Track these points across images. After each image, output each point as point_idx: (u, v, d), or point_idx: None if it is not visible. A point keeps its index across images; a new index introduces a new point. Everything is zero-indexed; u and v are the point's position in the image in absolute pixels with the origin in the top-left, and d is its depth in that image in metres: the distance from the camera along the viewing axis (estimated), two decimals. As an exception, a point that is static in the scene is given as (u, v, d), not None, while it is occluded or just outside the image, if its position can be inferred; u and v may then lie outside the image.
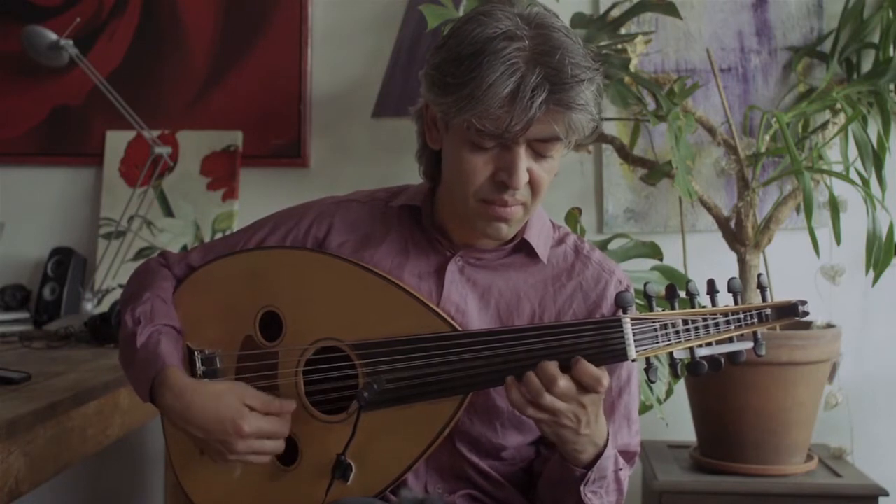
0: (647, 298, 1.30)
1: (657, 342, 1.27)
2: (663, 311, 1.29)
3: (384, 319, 1.38)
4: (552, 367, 1.25)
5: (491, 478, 1.44)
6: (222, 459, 1.39)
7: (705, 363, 1.28)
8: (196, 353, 1.47)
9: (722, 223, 2.39)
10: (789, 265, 2.46)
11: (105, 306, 2.63)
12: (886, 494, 2.22)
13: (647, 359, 1.28)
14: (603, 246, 2.21)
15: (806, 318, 1.32)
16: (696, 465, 2.37)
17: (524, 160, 1.30)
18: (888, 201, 2.31)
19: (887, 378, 2.65)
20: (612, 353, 1.26)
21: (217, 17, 2.83)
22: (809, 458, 2.35)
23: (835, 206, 2.21)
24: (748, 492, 2.24)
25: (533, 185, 1.33)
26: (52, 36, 2.60)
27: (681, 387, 2.36)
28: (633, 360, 1.27)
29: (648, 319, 1.27)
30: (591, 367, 1.24)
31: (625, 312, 1.28)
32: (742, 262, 2.35)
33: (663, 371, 2.16)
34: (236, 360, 1.47)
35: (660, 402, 2.13)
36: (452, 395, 1.34)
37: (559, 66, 1.25)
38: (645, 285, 1.31)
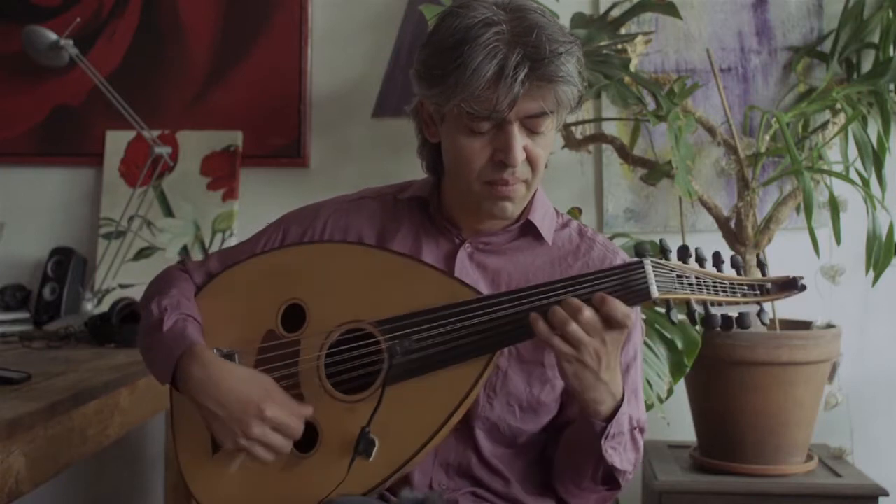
0: (663, 252, 1.33)
1: (675, 288, 1.30)
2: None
3: (408, 295, 1.40)
4: (575, 300, 1.28)
5: (498, 473, 1.45)
6: (232, 443, 1.39)
7: (719, 317, 1.31)
8: (214, 352, 1.47)
9: (722, 223, 2.39)
10: (789, 265, 2.44)
11: (105, 306, 2.63)
12: (886, 494, 2.22)
13: (667, 301, 1.30)
14: (603, 245, 2.21)
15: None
16: (696, 465, 2.37)
17: (518, 138, 1.36)
18: (888, 201, 2.31)
19: (887, 378, 2.65)
20: (635, 293, 1.29)
21: (217, 17, 2.83)
22: (809, 458, 2.35)
23: (835, 206, 2.21)
24: (748, 492, 2.24)
25: (531, 161, 1.38)
26: (52, 36, 2.60)
27: (681, 387, 2.36)
28: (655, 301, 1.29)
29: (667, 266, 1.31)
30: (620, 303, 1.27)
31: None
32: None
33: (663, 369, 2.16)
34: (256, 353, 1.47)
35: (660, 401, 2.13)
36: (479, 355, 1.35)
37: (537, 44, 1.31)
38: (661, 240, 1.34)
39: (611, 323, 1.28)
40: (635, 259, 1.31)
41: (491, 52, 1.30)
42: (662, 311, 1.33)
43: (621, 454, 1.38)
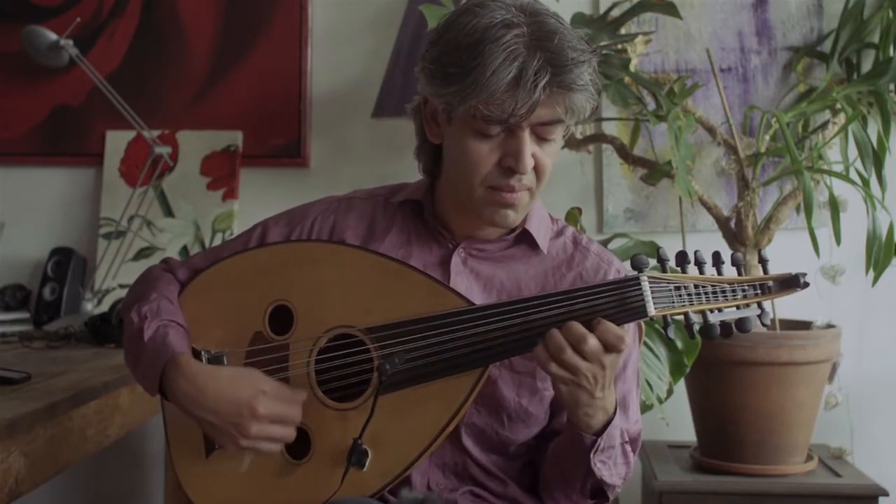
0: (661, 262, 1.32)
1: (672, 303, 1.28)
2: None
3: (398, 302, 1.38)
4: (579, 326, 1.26)
5: (494, 475, 1.45)
6: (234, 445, 1.37)
7: (718, 326, 1.29)
8: (203, 354, 1.45)
9: (722, 223, 2.39)
10: (789, 265, 2.44)
11: (105, 306, 2.63)
12: (886, 494, 2.23)
13: (665, 317, 1.29)
14: (603, 245, 2.21)
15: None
16: (696, 465, 2.37)
17: (529, 145, 1.34)
18: (888, 201, 2.31)
19: (887, 378, 2.65)
20: (631, 311, 1.28)
21: (217, 17, 2.83)
22: (809, 458, 2.35)
23: (835, 206, 2.21)
24: (748, 492, 2.24)
25: (538, 169, 1.36)
26: (52, 36, 2.60)
27: (681, 387, 2.36)
28: (652, 318, 1.28)
29: (664, 280, 1.29)
30: (613, 326, 1.26)
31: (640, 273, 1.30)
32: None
33: (663, 370, 2.16)
34: (244, 356, 1.46)
35: (660, 401, 2.13)
36: (473, 367, 1.33)
37: (558, 50, 1.29)
38: (658, 249, 1.33)
39: (606, 346, 1.26)
40: (632, 274, 1.29)
41: (511, 55, 1.27)
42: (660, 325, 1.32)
43: (611, 468, 1.37)
